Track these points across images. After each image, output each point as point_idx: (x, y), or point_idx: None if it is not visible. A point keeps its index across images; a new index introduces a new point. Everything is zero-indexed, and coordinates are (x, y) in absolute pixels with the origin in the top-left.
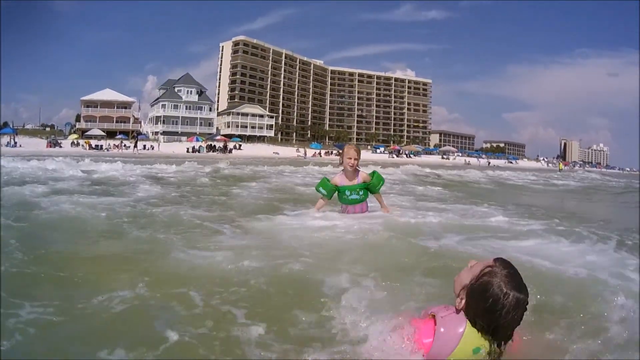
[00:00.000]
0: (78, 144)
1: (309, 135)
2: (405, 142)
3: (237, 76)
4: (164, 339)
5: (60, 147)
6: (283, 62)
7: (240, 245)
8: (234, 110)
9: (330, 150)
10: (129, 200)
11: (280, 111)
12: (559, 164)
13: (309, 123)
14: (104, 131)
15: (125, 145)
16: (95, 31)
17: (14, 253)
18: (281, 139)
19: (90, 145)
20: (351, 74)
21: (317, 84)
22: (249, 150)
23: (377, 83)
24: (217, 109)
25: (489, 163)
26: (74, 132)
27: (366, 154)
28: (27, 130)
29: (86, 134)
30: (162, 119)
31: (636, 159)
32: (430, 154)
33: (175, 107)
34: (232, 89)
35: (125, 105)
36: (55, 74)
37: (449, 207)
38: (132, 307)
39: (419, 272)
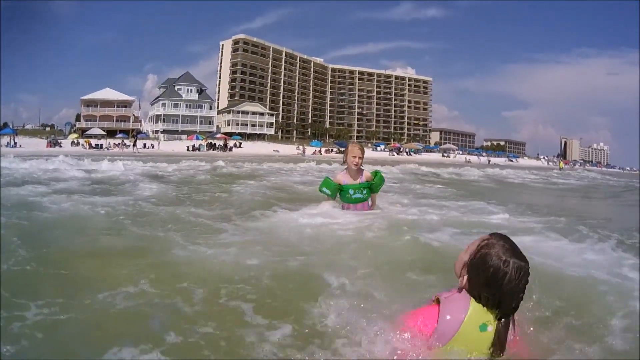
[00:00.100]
0: (78, 144)
1: (309, 133)
2: (405, 140)
3: (238, 74)
4: (170, 337)
5: (61, 146)
6: (283, 60)
7: (242, 242)
8: (234, 109)
9: (330, 148)
10: (130, 199)
11: (281, 109)
12: (560, 162)
13: (310, 121)
14: (104, 130)
15: (125, 145)
16: (95, 31)
17: (16, 252)
18: (282, 137)
19: (90, 145)
20: (351, 72)
21: (317, 82)
22: (250, 148)
23: (378, 81)
24: (218, 107)
25: (489, 161)
26: (74, 132)
27: (367, 152)
28: (27, 130)
29: (86, 133)
30: (162, 118)
31: (636, 159)
32: (431, 152)
33: (176, 105)
34: (232, 87)
35: (126, 104)
36: (55, 74)
37: (449, 204)
38: (137, 305)
39: (418, 268)
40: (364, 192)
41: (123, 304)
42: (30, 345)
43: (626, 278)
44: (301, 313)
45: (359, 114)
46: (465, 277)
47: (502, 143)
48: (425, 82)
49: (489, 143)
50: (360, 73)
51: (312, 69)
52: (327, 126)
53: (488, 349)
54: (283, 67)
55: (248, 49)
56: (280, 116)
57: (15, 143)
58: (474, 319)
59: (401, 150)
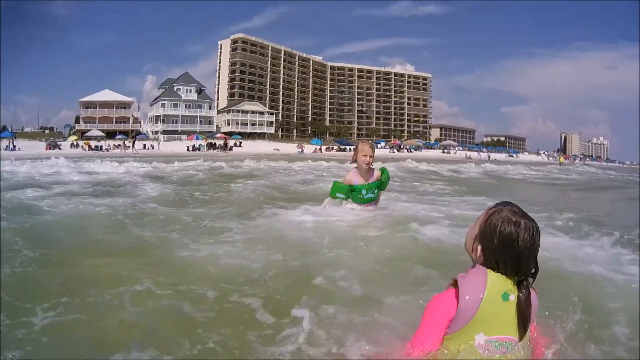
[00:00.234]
0: (78, 146)
1: (309, 132)
2: (406, 137)
3: (237, 74)
4: (177, 340)
5: (60, 149)
6: (282, 59)
7: (245, 241)
8: (233, 108)
9: (331, 146)
10: (131, 200)
11: (281, 108)
12: (560, 157)
13: (310, 119)
14: (103, 132)
15: (126, 146)
16: (93, 32)
17: (20, 254)
18: (282, 136)
19: (89, 146)
20: (351, 70)
21: (316, 80)
22: (250, 147)
23: (377, 78)
24: (217, 107)
25: (489, 157)
26: (74, 134)
27: None
28: (26, 133)
29: (85, 135)
30: (161, 118)
31: (636, 153)
32: (431, 148)
33: (175, 106)
34: (231, 87)
35: (125, 106)
36: (53, 76)
37: (450, 199)
38: (143, 307)
39: (423, 265)
40: (375, 191)
41: (128, 306)
42: (36, 349)
43: (626, 274)
44: (307, 312)
45: (358, 111)
46: (479, 248)
47: (502, 139)
48: (424, 78)
49: (489, 139)
50: (360, 70)
51: (311, 67)
52: (327, 124)
53: (515, 322)
54: (282, 65)
55: (247, 48)
56: (280, 115)
57: (14, 146)
58: (495, 288)
59: (401, 147)
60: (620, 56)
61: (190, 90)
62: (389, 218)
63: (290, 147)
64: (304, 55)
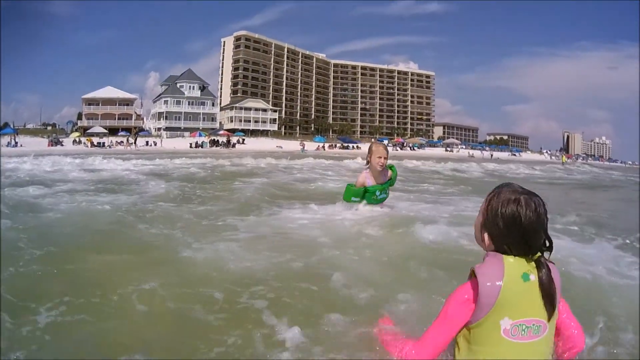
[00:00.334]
0: (80, 142)
1: (312, 129)
2: (409, 135)
3: (240, 71)
4: (183, 341)
5: (62, 145)
6: (285, 57)
7: (249, 240)
8: (236, 105)
9: (334, 144)
10: (134, 198)
11: (284, 105)
12: (562, 156)
13: (313, 117)
14: (106, 128)
15: (130, 142)
16: (95, 29)
17: (24, 253)
18: (285, 133)
19: (92, 143)
20: (354, 67)
21: (320, 77)
22: (253, 144)
23: (380, 76)
24: (220, 104)
25: (492, 155)
26: (76, 130)
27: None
28: (28, 129)
29: (88, 131)
30: (164, 115)
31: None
32: (434, 146)
33: (178, 102)
34: (234, 84)
35: (127, 102)
36: (56, 73)
37: (454, 199)
38: (148, 307)
39: (428, 264)
40: (387, 190)
41: (133, 306)
42: (40, 349)
43: (626, 276)
44: (313, 312)
45: (362, 109)
46: (486, 236)
47: (505, 137)
48: (427, 76)
49: (492, 137)
50: (363, 68)
51: (314, 65)
52: (331, 122)
53: (540, 302)
54: (285, 63)
55: (250, 45)
56: (283, 112)
57: (16, 143)
58: (513, 270)
59: (404, 145)
60: (622, 56)
61: (193, 87)
62: (393, 218)
63: (293, 145)
64: (307, 52)
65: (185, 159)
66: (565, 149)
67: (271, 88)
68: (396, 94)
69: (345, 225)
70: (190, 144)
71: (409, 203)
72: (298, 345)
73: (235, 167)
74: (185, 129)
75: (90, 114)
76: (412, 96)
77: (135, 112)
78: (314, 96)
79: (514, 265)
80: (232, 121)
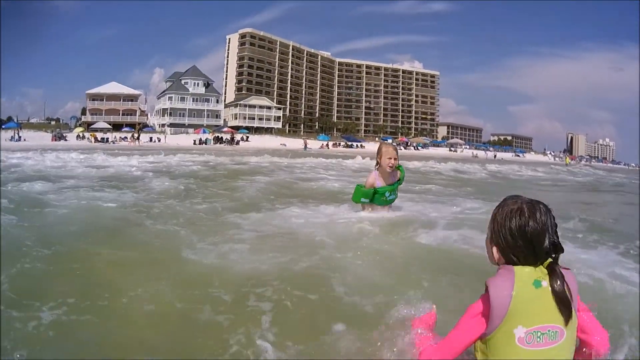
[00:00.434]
0: (84, 137)
1: (317, 127)
2: (413, 134)
3: (244, 68)
4: (188, 341)
5: (66, 140)
6: (290, 54)
7: (254, 239)
8: (241, 102)
9: (338, 142)
10: (138, 195)
11: (288, 103)
12: (566, 158)
13: (317, 115)
14: (110, 124)
15: (134, 138)
16: (100, 25)
17: (30, 252)
18: (289, 131)
19: (96, 138)
20: (359, 66)
21: (324, 75)
22: (257, 141)
23: (385, 75)
24: (225, 101)
25: (495, 156)
26: (80, 125)
27: (373, 147)
28: (32, 124)
29: (92, 126)
30: (168, 111)
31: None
32: (438, 146)
33: (182, 99)
34: (239, 81)
35: (132, 98)
36: (60, 68)
37: (459, 201)
38: (152, 308)
39: (434, 267)
40: (396, 191)
41: (137, 306)
42: (45, 349)
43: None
44: (316, 317)
45: (366, 107)
46: (494, 249)
47: (509, 138)
48: (432, 76)
49: (495, 138)
50: (368, 67)
51: (319, 63)
52: (335, 120)
53: (554, 308)
54: (290, 60)
55: (255, 42)
56: (288, 110)
57: (20, 137)
58: (523, 278)
59: (409, 144)
60: (626, 57)
61: (198, 83)
62: (396, 219)
63: (297, 143)
64: (312, 50)
65: (188, 156)
66: (569, 150)
67: (276, 86)
68: (401, 93)
69: (348, 226)
70: (194, 140)
71: (411, 203)
72: (301, 350)
73: (238, 165)
74: (190, 126)
75: (95, 109)
76: (416, 95)
77: (139, 108)
78: (318, 94)
79: (525, 273)
80: (236, 118)
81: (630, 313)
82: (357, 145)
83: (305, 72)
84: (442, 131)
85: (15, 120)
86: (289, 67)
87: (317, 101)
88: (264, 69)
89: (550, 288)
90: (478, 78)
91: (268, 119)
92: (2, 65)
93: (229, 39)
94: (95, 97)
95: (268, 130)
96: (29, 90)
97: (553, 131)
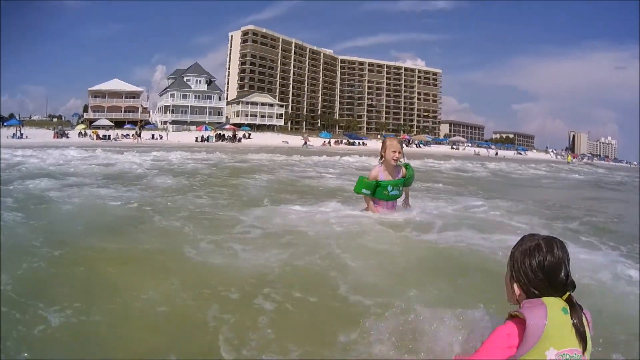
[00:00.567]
0: (86, 134)
1: (319, 125)
2: (415, 132)
3: (247, 65)
4: (192, 342)
5: (68, 137)
6: (293, 52)
7: (258, 238)
8: (243, 99)
9: (340, 140)
10: (143, 193)
11: (290, 100)
12: (568, 156)
13: (319, 112)
14: (112, 121)
15: (138, 134)
16: (102, 22)
17: (34, 250)
18: (291, 128)
19: (97, 136)
20: (361, 64)
21: (327, 73)
22: (259, 139)
23: (387, 72)
24: (227, 98)
25: (497, 153)
26: (82, 123)
27: (376, 144)
28: (33, 121)
29: (94, 124)
30: (171, 108)
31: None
32: (440, 144)
33: (184, 96)
34: (241, 78)
35: (134, 95)
36: (62, 65)
37: (462, 200)
38: (158, 308)
39: (434, 269)
40: (400, 188)
41: (142, 306)
42: (51, 350)
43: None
44: (318, 319)
45: (368, 105)
46: (516, 286)
47: (511, 136)
48: (434, 74)
49: (498, 135)
50: (370, 64)
51: (321, 60)
52: (337, 117)
53: (577, 338)
54: (292, 58)
55: (257, 40)
56: (290, 107)
57: (22, 134)
58: (554, 305)
59: (410, 142)
60: (629, 56)
61: (200, 81)
62: (398, 219)
63: (299, 140)
64: (315, 48)
65: (190, 154)
66: (571, 148)
67: (278, 83)
68: (403, 91)
69: (350, 224)
70: (196, 137)
71: (412, 200)
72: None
73: (240, 163)
74: (192, 123)
75: (97, 106)
76: (418, 93)
77: (141, 105)
78: (320, 92)
79: (553, 301)
80: (238, 115)
81: (630, 313)
82: (359, 143)
83: (308, 70)
84: (444, 129)
85: (17, 117)
86: (292, 65)
87: (320, 98)
88: (266, 66)
89: (570, 316)
90: (481, 76)
91: (270, 117)
92: (3, 63)
93: (232, 36)
94: (97, 94)
95: (270, 128)
96: (31, 87)
97: (555, 129)
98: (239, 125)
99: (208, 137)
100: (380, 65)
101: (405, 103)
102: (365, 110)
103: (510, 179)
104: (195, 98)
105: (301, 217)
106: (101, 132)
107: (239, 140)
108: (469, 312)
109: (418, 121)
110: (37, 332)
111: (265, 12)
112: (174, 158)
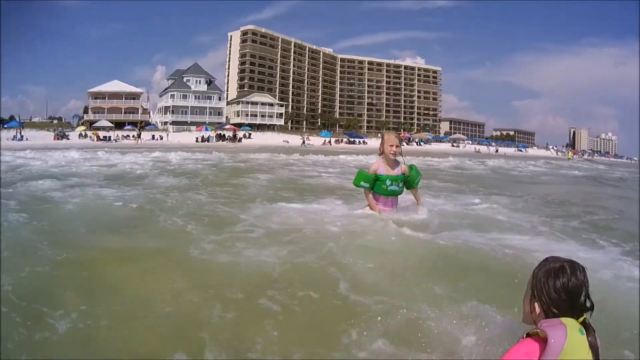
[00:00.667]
0: (86, 136)
1: (319, 124)
2: (415, 130)
3: (247, 65)
4: (203, 342)
5: (68, 139)
6: (292, 51)
7: (261, 237)
8: (243, 99)
9: (340, 139)
10: (145, 193)
11: (290, 100)
12: (568, 152)
13: (319, 111)
14: (112, 122)
15: (139, 135)
16: (101, 22)
17: (38, 252)
18: (291, 128)
19: (98, 137)
20: (361, 62)
21: (326, 72)
22: (259, 139)
23: (387, 71)
24: (227, 98)
25: (497, 150)
26: (82, 124)
27: (376, 142)
28: (34, 123)
29: (94, 125)
30: (171, 109)
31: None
32: (441, 142)
33: (184, 97)
34: (241, 78)
35: (134, 96)
36: (62, 67)
37: (464, 199)
38: (165, 311)
39: (435, 271)
40: (400, 184)
41: (150, 308)
42: (57, 353)
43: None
44: (319, 319)
45: (368, 104)
46: (536, 305)
47: (512, 133)
48: (434, 72)
49: (498, 133)
50: (370, 63)
51: (321, 59)
52: (337, 116)
53: (593, 357)
54: (292, 57)
55: (257, 39)
56: (290, 107)
57: (22, 136)
58: (572, 326)
59: (411, 140)
60: (629, 52)
61: (200, 81)
62: (401, 218)
63: (299, 140)
64: (314, 47)
65: (190, 154)
66: (572, 145)
67: (278, 82)
68: (403, 89)
69: (351, 224)
70: (197, 138)
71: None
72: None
73: (240, 163)
74: (192, 123)
75: (97, 107)
76: (418, 91)
77: (141, 106)
78: (320, 91)
79: (571, 321)
80: (238, 115)
81: (630, 313)
82: (359, 142)
83: (308, 69)
84: (444, 127)
85: (18, 119)
86: (291, 64)
87: (320, 98)
88: (266, 66)
89: (586, 339)
90: (481, 73)
91: (270, 116)
92: (3, 63)
93: (231, 36)
94: (97, 96)
95: (270, 127)
96: (31, 88)
97: (556, 126)
98: (239, 125)
99: (208, 137)
100: (380, 64)
101: (405, 101)
102: (366, 109)
103: (509, 176)
104: (195, 98)
105: (301, 215)
106: (101, 134)
107: (240, 140)
108: (470, 311)
109: (418, 119)
110: (38, 333)
111: (264, 11)
112: (174, 159)
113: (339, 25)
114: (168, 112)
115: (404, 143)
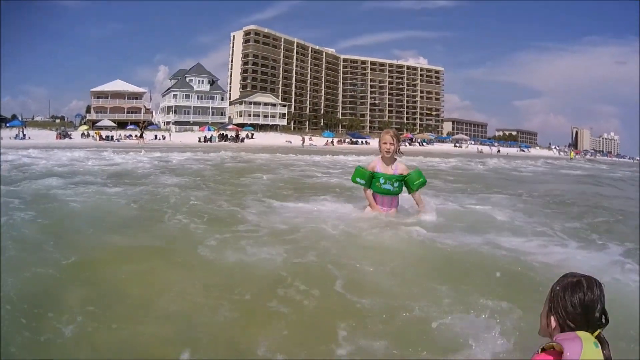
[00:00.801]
0: (88, 135)
1: (322, 124)
2: (418, 130)
3: (249, 65)
4: (199, 344)
5: (70, 138)
6: (295, 51)
7: (263, 236)
8: (246, 100)
9: (343, 139)
10: (149, 193)
11: (293, 100)
12: (571, 152)
13: (322, 111)
14: (114, 122)
15: (142, 135)
16: (104, 22)
17: (43, 252)
18: (294, 128)
19: (100, 136)
20: (363, 62)
21: (329, 72)
22: (262, 139)
23: (390, 71)
24: (229, 99)
25: (499, 150)
26: (84, 124)
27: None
28: (36, 122)
29: (96, 124)
30: (173, 109)
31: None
32: (443, 142)
33: (187, 96)
34: (244, 78)
35: (136, 96)
36: (64, 66)
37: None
38: (169, 311)
39: (435, 271)
40: (395, 185)
41: (155, 309)
42: (63, 355)
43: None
44: (320, 319)
45: (371, 104)
46: (553, 319)
47: (514, 133)
48: (437, 72)
49: (500, 133)
50: (372, 63)
51: (324, 60)
52: (340, 117)
53: None
54: (295, 57)
55: (259, 40)
56: (293, 107)
57: (24, 135)
58: (587, 340)
59: (413, 140)
60: (631, 51)
61: (203, 81)
62: (401, 217)
63: (299, 140)
64: (317, 47)
65: (193, 154)
66: (574, 144)
67: (280, 83)
68: (405, 89)
69: (351, 223)
70: (199, 138)
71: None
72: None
73: (243, 163)
74: (194, 123)
75: (99, 107)
76: (421, 91)
77: (144, 106)
78: (323, 91)
79: (586, 335)
80: (241, 115)
81: (630, 313)
82: (362, 142)
83: (310, 69)
84: (447, 127)
85: (20, 118)
86: (294, 64)
87: (322, 98)
88: (268, 66)
89: (601, 352)
90: (483, 73)
91: (273, 116)
92: (4, 63)
93: (233, 36)
94: (99, 95)
95: (273, 128)
96: (33, 88)
97: (558, 126)
98: (241, 126)
99: (211, 137)
100: (382, 64)
101: (407, 101)
102: (368, 109)
103: (511, 176)
104: (197, 98)
105: (302, 215)
106: (104, 133)
107: (242, 140)
108: (470, 311)
109: (421, 119)
110: (42, 333)
111: (266, 11)
112: (176, 158)
113: (339, 25)
114: (171, 112)
115: (406, 144)
